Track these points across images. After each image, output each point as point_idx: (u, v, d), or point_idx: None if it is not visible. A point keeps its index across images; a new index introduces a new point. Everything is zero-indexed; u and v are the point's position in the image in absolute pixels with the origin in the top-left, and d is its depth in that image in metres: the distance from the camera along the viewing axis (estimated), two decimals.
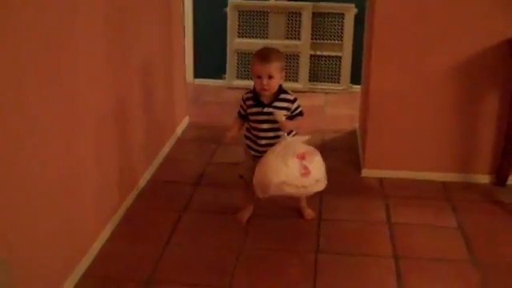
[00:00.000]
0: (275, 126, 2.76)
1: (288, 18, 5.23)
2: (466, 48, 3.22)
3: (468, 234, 2.91)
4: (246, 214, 3.02)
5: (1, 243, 1.96)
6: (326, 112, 4.80)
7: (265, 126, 2.80)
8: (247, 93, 2.86)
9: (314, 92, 5.26)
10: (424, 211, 3.14)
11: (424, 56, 3.26)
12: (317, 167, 2.72)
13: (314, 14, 5.17)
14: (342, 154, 3.88)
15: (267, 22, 5.27)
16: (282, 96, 2.78)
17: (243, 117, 2.89)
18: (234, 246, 2.80)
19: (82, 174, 2.57)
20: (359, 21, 4.87)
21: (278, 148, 2.69)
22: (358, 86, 4.64)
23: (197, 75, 5.51)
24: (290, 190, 2.68)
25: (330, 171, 3.52)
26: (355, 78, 5.07)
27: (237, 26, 5.31)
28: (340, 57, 5.26)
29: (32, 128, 2.12)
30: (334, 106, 4.92)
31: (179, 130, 4.20)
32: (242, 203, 3.04)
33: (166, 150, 3.84)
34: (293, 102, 2.78)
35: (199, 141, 4.12)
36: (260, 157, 2.77)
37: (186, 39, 4.70)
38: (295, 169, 2.65)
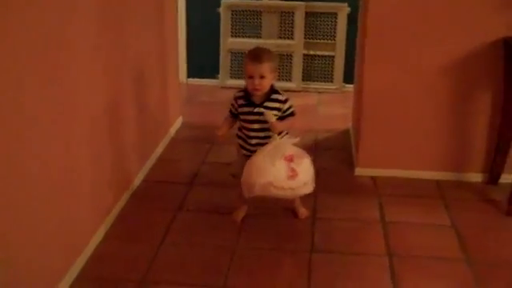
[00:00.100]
0: (265, 126, 2.76)
1: (281, 18, 5.24)
2: (458, 47, 3.24)
3: (461, 232, 2.93)
4: (240, 214, 3.03)
5: None
6: (319, 111, 4.81)
7: (255, 125, 2.81)
8: (239, 92, 2.87)
9: (307, 91, 5.26)
10: (417, 210, 3.15)
11: (417, 55, 3.28)
12: (305, 170, 2.73)
13: (306, 13, 5.17)
14: (336, 153, 3.89)
15: (260, 22, 5.27)
16: (274, 96, 2.78)
17: (234, 115, 2.89)
18: (229, 245, 2.81)
19: (77, 174, 2.57)
20: (352, 20, 4.88)
21: (267, 148, 2.70)
22: (351, 86, 4.65)
23: (190, 75, 5.51)
24: (276, 192, 2.69)
25: (323, 170, 3.55)
26: (348, 78, 5.09)
27: (230, 26, 5.31)
28: (333, 56, 5.27)
29: (31, 128, 2.13)
30: (327, 106, 4.93)
31: (173, 129, 4.20)
32: (236, 203, 3.05)
33: (159, 150, 3.84)
34: (284, 102, 2.78)
35: (193, 141, 4.12)
36: (251, 156, 2.78)
37: (179, 39, 4.69)
38: (282, 170, 2.66)
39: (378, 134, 3.46)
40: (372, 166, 3.52)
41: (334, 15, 5.18)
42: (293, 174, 2.68)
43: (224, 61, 5.37)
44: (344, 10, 5.13)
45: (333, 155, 3.86)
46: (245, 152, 2.88)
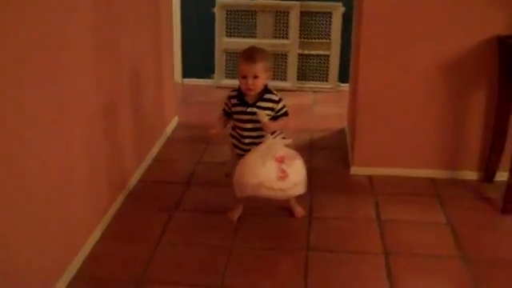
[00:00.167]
0: (258, 125, 2.76)
1: (276, 17, 5.24)
2: (454, 45, 3.25)
3: (457, 229, 2.94)
4: (236, 213, 3.03)
5: None
6: (314, 111, 4.82)
7: (248, 125, 2.81)
8: (232, 91, 2.87)
9: (302, 91, 5.27)
10: (413, 208, 3.16)
11: (412, 54, 3.29)
12: (296, 171, 2.74)
13: (301, 12, 5.18)
14: (331, 153, 3.90)
15: (255, 22, 5.28)
16: (267, 96, 2.78)
17: (228, 114, 2.89)
18: (225, 244, 2.81)
19: (73, 174, 2.57)
20: (347, 19, 4.89)
21: (260, 148, 2.71)
22: (346, 85, 4.66)
23: (185, 75, 5.51)
24: (267, 192, 2.70)
25: (319, 170, 3.55)
26: (343, 77, 5.10)
27: (225, 26, 5.31)
28: (328, 55, 5.28)
29: (31, 128, 2.13)
30: (323, 105, 4.94)
31: (169, 129, 4.20)
32: (232, 202, 3.05)
33: (155, 150, 3.84)
34: (277, 102, 2.78)
35: (189, 140, 4.12)
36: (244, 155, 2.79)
37: (174, 39, 4.70)
38: (272, 171, 2.67)
39: (373, 132, 3.47)
40: (367, 164, 3.53)
41: (329, 15, 5.19)
42: (283, 175, 2.68)
43: (219, 61, 5.37)
44: (339, 10, 5.14)
45: (328, 154, 3.87)
46: (238, 151, 2.89)
